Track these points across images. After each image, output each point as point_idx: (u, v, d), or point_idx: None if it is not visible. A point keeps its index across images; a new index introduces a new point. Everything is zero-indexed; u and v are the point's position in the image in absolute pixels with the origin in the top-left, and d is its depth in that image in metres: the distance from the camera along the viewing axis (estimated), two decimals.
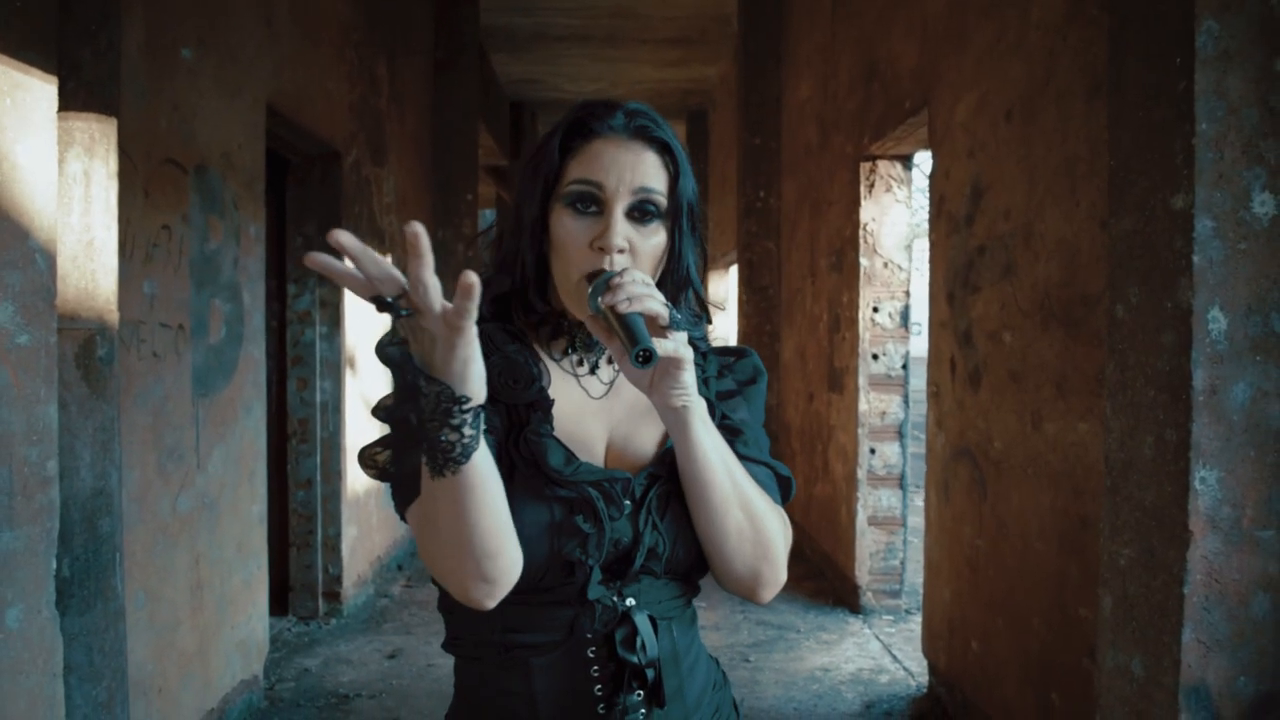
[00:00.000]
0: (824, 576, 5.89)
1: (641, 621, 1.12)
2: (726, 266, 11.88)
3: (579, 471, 1.11)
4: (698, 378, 1.17)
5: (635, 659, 1.11)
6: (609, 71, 10.56)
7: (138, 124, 2.84)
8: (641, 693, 1.12)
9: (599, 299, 1.04)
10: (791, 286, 6.99)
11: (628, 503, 1.12)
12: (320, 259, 0.87)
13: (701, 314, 1.25)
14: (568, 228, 1.12)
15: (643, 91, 11.30)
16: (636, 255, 1.12)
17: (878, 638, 4.80)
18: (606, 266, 1.09)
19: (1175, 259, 1.76)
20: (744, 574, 1.14)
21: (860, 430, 5.20)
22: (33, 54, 1.88)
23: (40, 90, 1.91)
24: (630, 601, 1.12)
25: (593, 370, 1.21)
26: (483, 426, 0.95)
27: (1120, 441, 1.93)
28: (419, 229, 0.86)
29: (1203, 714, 1.77)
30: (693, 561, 1.16)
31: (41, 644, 1.94)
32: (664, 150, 1.15)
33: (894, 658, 4.50)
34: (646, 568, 1.13)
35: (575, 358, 1.20)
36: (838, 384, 5.60)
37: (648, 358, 0.99)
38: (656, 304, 1.04)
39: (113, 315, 2.30)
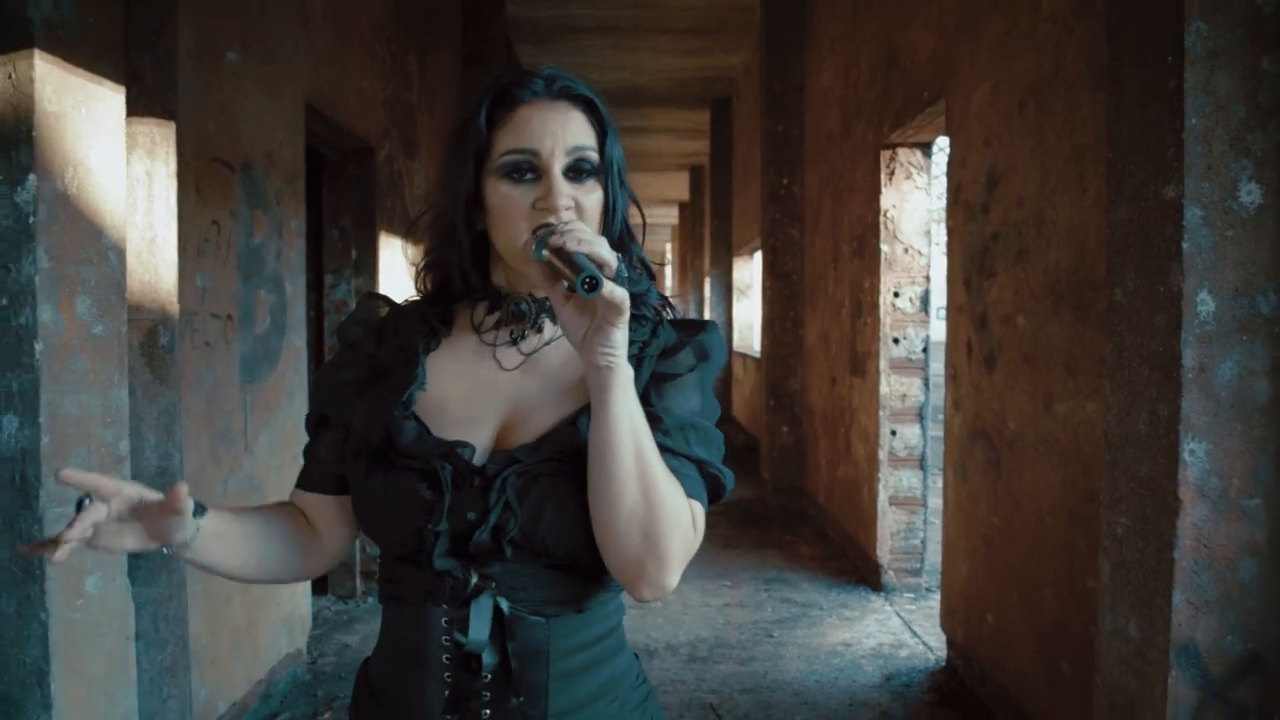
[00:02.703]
0: (846, 556, 6.02)
1: (478, 605, 1.10)
2: (751, 253, 11.99)
3: (426, 445, 1.12)
4: (634, 351, 1.15)
5: (462, 640, 1.10)
6: (631, 61, 10.66)
7: (189, 126, 3.00)
8: (487, 677, 1.11)
9: (544, 248, 1.03)
10: (815, 272, 7.10)
11: (479, 476, 1.11)
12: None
13: (645, 274, 1.22)
14: (507, 196, 1.12)
15: (665, 79, 11.40)
16: (582, 213, 1.12)
17: (898, 614, 4.93)
18: (554, 221, 1.09)
19: (1167, 246, 1.88)
20: (627, 561, 1.07)
21: (881, 413, 5.31)
22: (104, 66, 2.04)
23: (111, 99, 2.07)
24: (490, 585, 1.11)
25: (515, 341, 1.19)
26: (193, 534, 1.11)
27: (1118, 418, 2.05)
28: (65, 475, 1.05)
29: (1192, 670, 1.89)
30: (566, 549, 1.11)
31: (117, 609, 2.11)
32: (589, 109, 1.16)
33: (914, 633, 4.63)
34: (499, 547, 1.10)
35: (504, 330, 1.19)
36: (860, 368, 5.72)
37: (593, 285, 0.98)
38: (605, 251, 1.02)
39: (173, 307, 2.47)
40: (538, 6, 8.83)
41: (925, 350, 5.32)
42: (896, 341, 5.30)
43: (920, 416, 5.34)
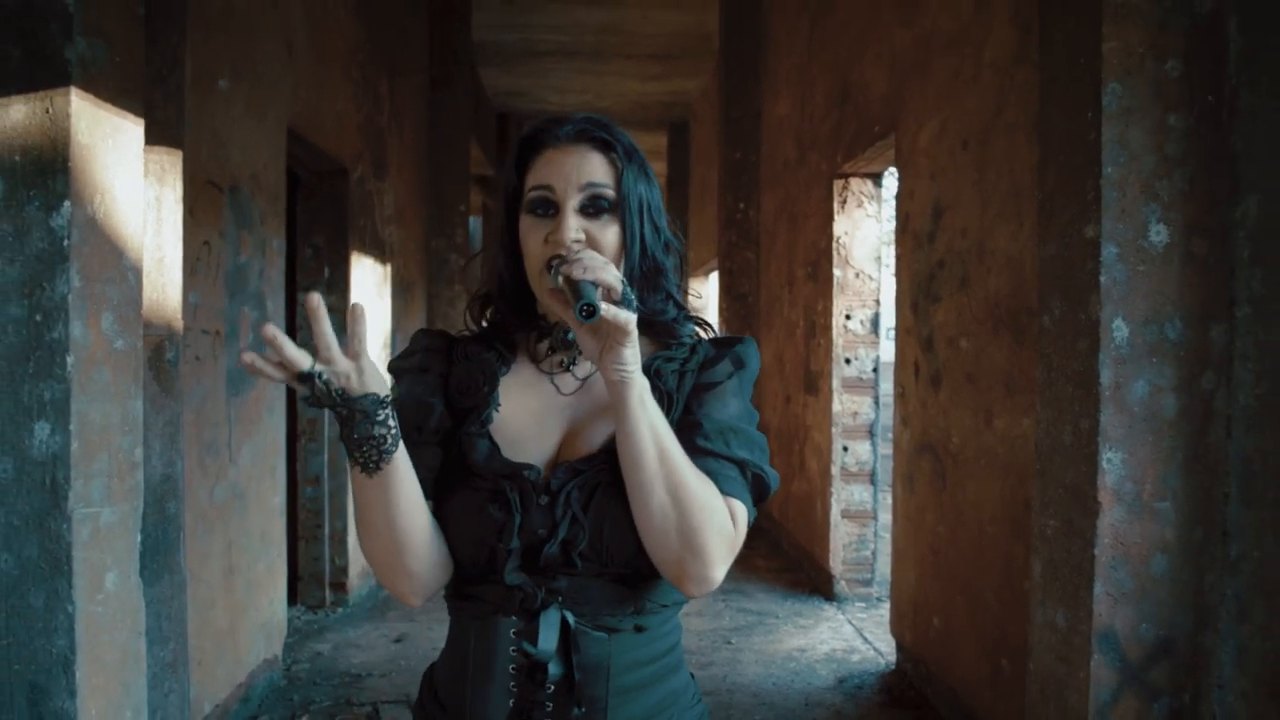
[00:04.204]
0: (801, 568, 6.25)
1: (547, 617, 1.16)
2: (707, 274, 12.26)
3: (494, 464, 1.19)
4: (675, 369, 1.25)
5: (531, 651, 1.16)
6: (594, 84, 10.92)
7: (185, 151, 3.16)
8: (551, 688, 1.16)
9: (559, 275, 1.12)
10: (770, 294, 7.36)
11: (545, 494, 1.18)
12: (255, 363, 1.00)
13: (674, 304, 1.30)
14: (528, 230, 1.21)
15: (625, 103, 11.68)
16: (596, 246, 1.19)
17: (850, 622, 5.17)
18: (562, 253, 1.17)
19: (1088, 279, 2.13)
20: (669, 559, 1.14)
21: (834, 430, 5.56)
22: (128, 100, 2.21)
23: (132, 131, 2.24)
24: (557, 599, 1.17)
25: (568, 367, 1.28)
26: (395, 425, 1.09)
27: (1046, 431, 2.30)
28: (315, 299, 1.02)
29: (1112, 655, 2.13)
30: (627, 555, 1.17)
31: (131, 606, 2.26)
32: (608, 149, 1.23)
33: (865, 639, 4.87)
34: (569, 559, 1.16)
35: (557, 358, 1.28)
36: (813, 387, 5.97)
37: (590, 312, 1.05)
38: (610, 276, 1.09)
39: (178, 323, 2.63)
40: (501, 30, 9.05)
41: (875, 370, 5.59)
42: (848, 362, 5.56)
43: (871, 433, 5.61)
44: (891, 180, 5.92)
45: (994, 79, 3.36)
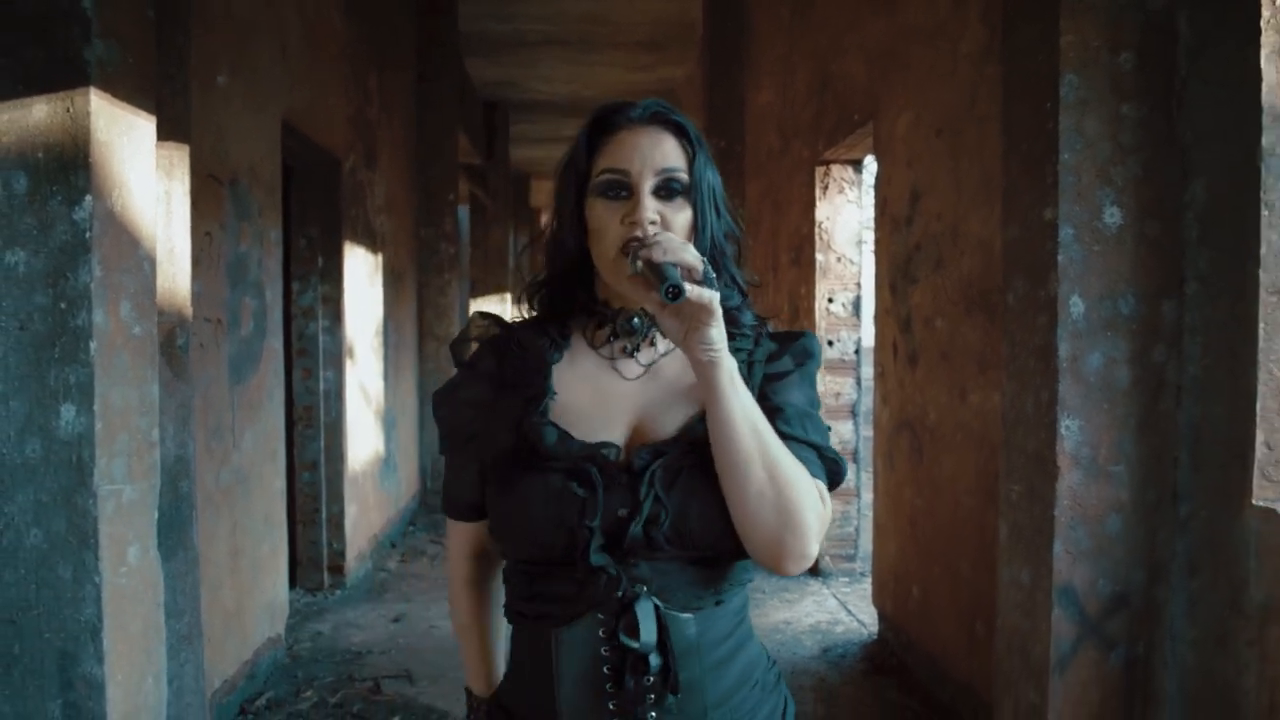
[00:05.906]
0: None
1: (642, 607, 1.14)
2: None
3: (570, 446, 1.17)
4: (744, 359, 1.24)
5: (633, 645, 1.13)
6: (582, 74, 11.00)
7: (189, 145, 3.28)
8: (650, 679, 1.14)
9: (638, 261, 1.11)
10: None
11: (625, 474, 1.16)
12: None
13: (738, 291, 1.30)
14: (601, 212, 1.19)
15: (612, 92, 11.75)
16: (670, 228, 1.18)
17: (835, 596, 5.34)
18: (640, 235, 1.15)
19: (1046, 258, 2.28)
20: (767, 540, 1.12)
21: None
22: (141, 99, 2.33)
23: (145, 128, 2.36)
24: (640, 588, 1.15)
25: (631, 353, 1.26)
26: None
27: (1011, 401, 2.46)
28: None
29: (1071, 609, 2.29)
30: (712, 539, 1.15)
31: (151, 578, 2.39)
32: (680, 133, 1.22)
33: (848, 611, 5.04)
34: (652, 540, 1.14)
35: (619, 344, 1.26)
36: None
37: (676, 293, 1.04)
38: (691, 256, 1.09)
39: (188, 311, 2.76)
40: (488, 20, 9.13)
41: (857, 352, 5.74)
42: (831, 344, 5.71)
43: (853, 413, 5.76)
44: (871, 167, 6.08)
45: (968, 71, 3.49)
